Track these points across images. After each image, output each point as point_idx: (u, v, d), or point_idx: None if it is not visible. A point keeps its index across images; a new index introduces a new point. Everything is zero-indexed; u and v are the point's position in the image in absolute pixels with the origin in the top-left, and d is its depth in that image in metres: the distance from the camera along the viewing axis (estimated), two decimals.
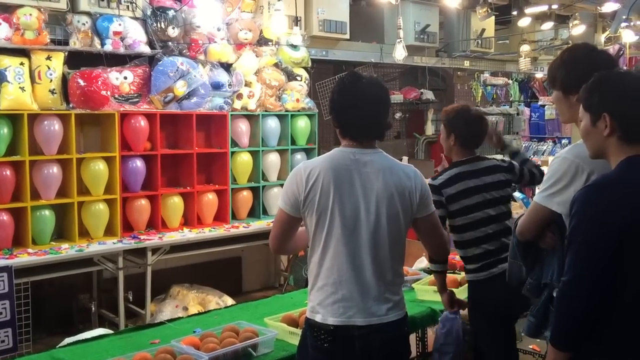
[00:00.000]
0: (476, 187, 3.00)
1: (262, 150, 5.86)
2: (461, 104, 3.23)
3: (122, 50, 4.88)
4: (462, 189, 2.99)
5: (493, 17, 7.85)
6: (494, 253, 2.98)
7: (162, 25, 5.04)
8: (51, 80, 4.52)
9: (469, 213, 2.98)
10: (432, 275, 3.69)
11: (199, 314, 3.52)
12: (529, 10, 7.61)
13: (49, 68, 4.51)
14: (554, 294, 2.15)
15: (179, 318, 3.36)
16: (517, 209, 4.95)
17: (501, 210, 3.03)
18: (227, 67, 5.55)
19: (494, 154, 6.07)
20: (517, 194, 4.86)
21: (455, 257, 3.71)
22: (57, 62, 4.56)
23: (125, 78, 4.92)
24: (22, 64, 4.41)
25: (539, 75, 9.75)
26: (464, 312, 3.13)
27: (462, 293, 3.27)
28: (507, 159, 3.32)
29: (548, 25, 8.20)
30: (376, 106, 2.29)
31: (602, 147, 1.92)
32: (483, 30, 7.94)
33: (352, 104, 2.26)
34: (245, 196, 5.80)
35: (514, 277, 2.37)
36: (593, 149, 1.96)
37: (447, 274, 3.12)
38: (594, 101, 1.91)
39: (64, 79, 4.63)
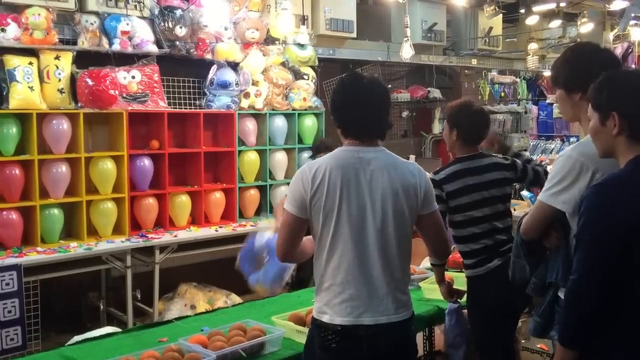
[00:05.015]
0: (476, 185, 3.02)
1: (270, 149, 5.86)
2: (464, 99, 3.22)
3: (130, 49, 4.90)
4: (462, 186, 3.01)
5: (500, 15, 7.82)
6: (489, 248, 3.01)
7: (170, 25, 5.06)
8: (60, 80, 4.55)
9: (466, 211, 3.01)
10: None
11: (207, 312, 3.53)
12: (536, 8, 7.57)
13: (57, 67, 4.53)
14: (559, 293, 2.14)
15: (187, 316, 3.37)
16: (525, 208, 4.94)
17: (498, 209, 3.04)
18: (234, 66, 5.55)
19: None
20: (524, 193, 4.86)
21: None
22: (66, 62, 4.59)
23: (133, 77, 4.94)
24: (30, 63, 4.43)
25: (547, 73, 9.68)
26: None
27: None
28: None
29: (556, 23, 8.15)
30: (377, 106, 2.28)
31: (611, 146, 1.91)
32: (490, 28, 7.91)
33: (353, 103, 2.26)
34: (253, 195, 5.81)
35: (518, 276, 2.35)
36: (602, 148, 1.95)
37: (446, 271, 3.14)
38: (602, 100, 1.91)
39: (73, 79, 4.65)
